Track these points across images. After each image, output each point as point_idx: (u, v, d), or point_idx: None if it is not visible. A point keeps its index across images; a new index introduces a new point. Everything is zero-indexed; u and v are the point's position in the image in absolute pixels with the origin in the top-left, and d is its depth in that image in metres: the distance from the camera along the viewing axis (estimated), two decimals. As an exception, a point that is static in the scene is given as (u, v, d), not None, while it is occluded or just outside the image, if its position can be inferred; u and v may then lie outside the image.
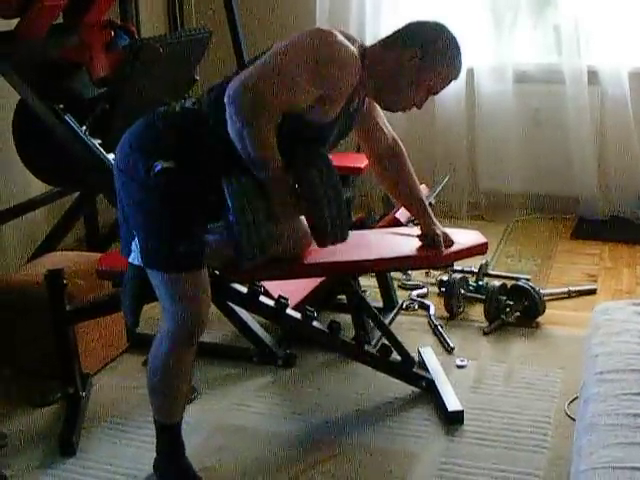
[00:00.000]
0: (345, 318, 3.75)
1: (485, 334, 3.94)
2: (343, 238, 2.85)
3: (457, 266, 4.32)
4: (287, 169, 2.66)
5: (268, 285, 3.45)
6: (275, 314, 3.36)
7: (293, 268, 3.12)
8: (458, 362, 3.67)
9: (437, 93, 2.90)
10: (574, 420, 2.79)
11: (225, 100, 2.58)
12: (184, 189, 2.68)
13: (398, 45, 2.79)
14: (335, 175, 2.74)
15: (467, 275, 4.36)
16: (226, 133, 2.62)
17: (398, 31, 2.85)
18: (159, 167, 2.63)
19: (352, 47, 2.68)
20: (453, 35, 2.84)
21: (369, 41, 5.34)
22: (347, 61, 2.65)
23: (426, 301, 4.29)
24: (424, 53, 2.77)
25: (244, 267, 2.79)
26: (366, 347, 3.39)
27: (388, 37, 2.86)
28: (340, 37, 2.66)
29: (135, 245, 2.74)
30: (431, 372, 3.49)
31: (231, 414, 3.37)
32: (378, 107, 3.05)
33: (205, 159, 2.72)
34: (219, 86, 2.74)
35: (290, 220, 2.90)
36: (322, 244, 2.88)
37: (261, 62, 2.62)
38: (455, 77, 2.89)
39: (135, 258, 2.77)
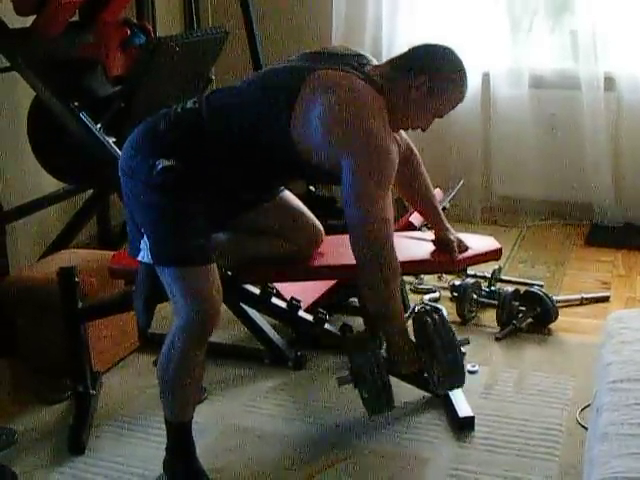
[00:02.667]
0: (357, 321, 3.74)
1: (497, 340, 3.93)
2: (462, 383, 3.02)
3: (470, 271, 4.32)
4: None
5: (280, 287, 3.44)
6: (287, 316, 3.36)
7: (306, 270, 3.12)
8: (469, 367, 3.65)
9: (442, 117, 2.90)
10: (586, 428, 2.77)
11: (355, 259, 2.73)
12: (186, 186, 2.72)
13: (406, 74, 2.79)
14: (446, 321, 2.90)
15: (480, 280, 4.34)
16: (225, 138, 2.74)
17: (406, 56, 2.85)
18: (160, 166, 2.68)
19: (384, 126, 2.70)
20: (459, 59, 2.84)
21: (385, 41, 5.42)
22: (393, 149, 2.72)
23: (438, 305, 4.27)
24: (431, 81, 2.77)
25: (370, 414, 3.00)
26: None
27: (397, 61, 2.86)
28: (374, 122, 2.67)
29: (144, 243, 2.76)
30: (442, 377, 3.47)
31: (241, 415, 3.37)
32: None
33: (203, 158, 2.76)
34: (222, 91, 2.88)
35: (413, 370, 3.00)
36: (441, 391, 3.13)
37: (357, 209, 2.68)
38: (460, 101, 2.90)
39: (144, 256, 2.79)
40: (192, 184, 2.72)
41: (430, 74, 2.77)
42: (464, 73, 2.84)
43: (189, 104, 2.84)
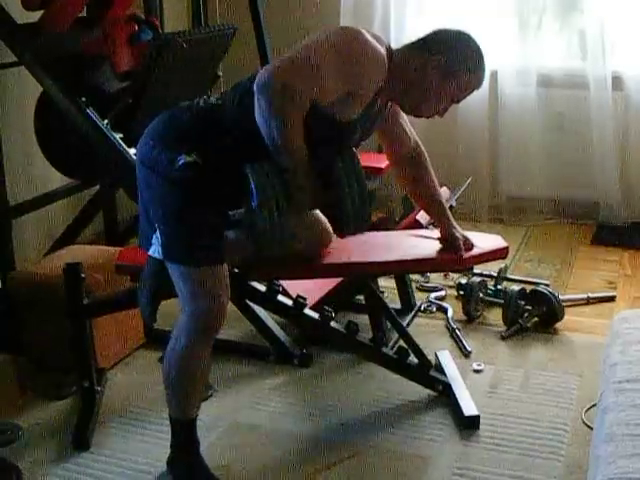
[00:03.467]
0: (363, 319, 3.73)
1: (503, 339, 3.92)
2: (363, 229, 2.85)
3: (476, 269, 4.31)
4: (311, 160, 2.66)
5: (287, 284, 3.44)
6: (293, 313, 3.35)
7: (312, 268, 3.12)
8: (475, 366, 3.65)
9: (459, 102, 2.90)
10: (591, 428, 2.77)
11: (254, 88, 2.58)
12: (206, 184, 2.69)
13: (423, 52, 2.80)
14: (358, 165, 2.74)
15: (486, 279, 4.34)
16: (250, 128, 2.63)
17: (423, 38, 2.85)
18: (182, 161, 2.64)
19: (380, 47, 2.69)
20: (477, 44, 2.85)
21: (393, 42, 5.40)
22: (374, 59, 2.66)
23: (444, 304, 4.27)
24: (448, 62, 2.77)
25: (262, 255, 2.82)
26: (383, 349, 3.38)
27: (413, 43, 2.86)
28: (368, 36, 2.67)
29: (156, 238, 2.75)
30: (448, 376, 3.47)
31: (246, 413, 3.37)
32: (400, 110, 3.04)
33: (227, 155, 2.73)
34: (245, 83, 2.74)
35: (311, 208, 2.90)
36: (342, 234, 2.88)
37: (292, 53, 2.62)
38: (478, 86, 2.90)
39: (155, 251, 2.77)
40: (211, 182, 2.70)
41: (446, 55, 2.77)
42: (482, 57, 2.85)
43: (213, 99, 2.82)
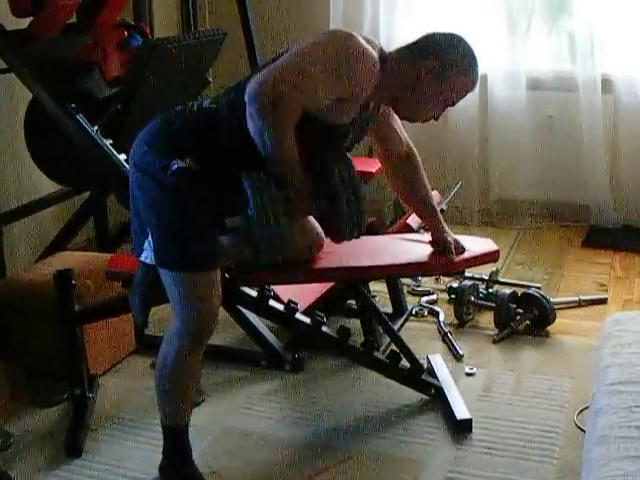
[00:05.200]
0: (354, 323, 3.74)
1: (495, 342, 3.92)
2: (359, 235, 2.84)
3: (467, 273, 4.31)
4: (305, 164, 2.66)
5: (278, 289, 3.43)
6: (284, 318, 3.35)
7: (304, 273, 3.11)
8: (467, 370, 3.65)
9: (454, 105, 2.89)
10: (583, 431, 2.76)
11: (245, 98, 2.57)
12: (199, 189, 2.68)
13: (416, 57, 2.79)
14: (353, 171, 2.74)
15: (477, 282, 4.34)
16: (244, 134, 2.62)
17: (416, 42, 2.84)
18: (175, 166, 2.63)
19: (372, 50, 2.68)
20: (470, 47, 2.84)
21: (383, 47, 5.40)
22: (366, 62, 2.65)
23: (436, 307, 4.27)
24: (441, 66, 2.76)
25: (260, 263, 2.79)
26: (375, 353, 3.37)
27: (406, 47, 2.85)
28: (360, 39, 2.66)
29: (148, 244, 2.74)
30: (440, 379, 3.47)
31: (238, 418, 3.36)
32: (394, 113, 3.04)
33: (222, 160, 2.72)
34: (237, 87, 2.74)
35: (306, 216, 2.91)
36: (338, 240, 2.88)
37: (281, 61, 2.62)
38: (472, 88, 2.89)
39: (148, 257, 2.77)
40: (205, 187, 2.69)
41: (440, 59, 2.77)
42: (475, 60, 2.84)
43: (206, 103, 2.82)
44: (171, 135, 2.77)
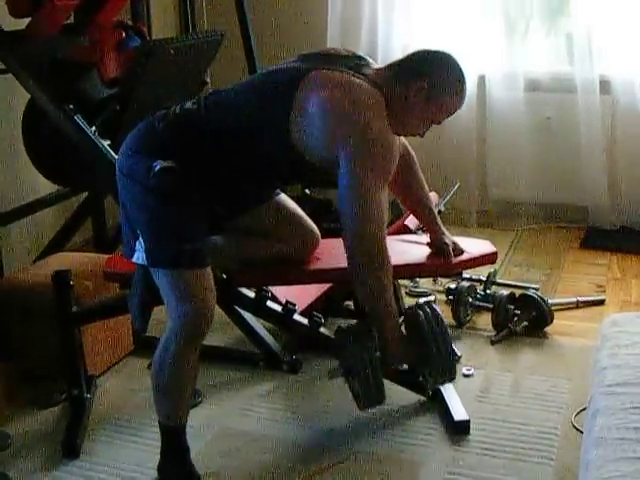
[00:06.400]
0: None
1: (492, 343, 3.92)
2: (451, 381, 3.08)
3: (465, 274, 4.31)
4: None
5: (276, 290, 3.43)
6: (282, 319, 3.35)
7: (301, 274, 3.12)
8: (465, 371, 3.65)
9: (440, 123, 2.90)
10: (581, 432, 2.76)
11: (346, 253, 2.72)
12: (184, 188, 2.72)
13: (405, 77, 2.78)
14: (443, 323, 2.89)
15: (475, 283, 4.33)
16: (222, 139, 2.73)
17: (405, 61, 2.85)
18: (158, 167, 2.68)
19: (384, 123, 2.69)
20: (458, 65, 2.83)
21: (381, 52, 5.41)
22: (394, 143, 2.74)
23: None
24: (431, 86, 2.76)
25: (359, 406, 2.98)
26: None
27: (396, 65, 2.85)
28: (374, 118, 2.67)
29: (139, 244, 2.76)
30: (438, 381, 3.47)
31: (236, 419, 3.36)
32: None
33: (202, 159, 2.77)
34: (220, 93, 2.86)
35: (401, 364, 3.04)
36: (431, 387, 3.16)
37: (353, 211, 2.67)
38: (459, 107, 2.89)
39: (139, 257, 2.78)
40: (189, 186, 2.72)
41: (429, 80, 2.76)
42: (463, 80, 2.83)
43: (188, 105, 2.85)
44: (154, 138, 2.81)
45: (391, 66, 2.86)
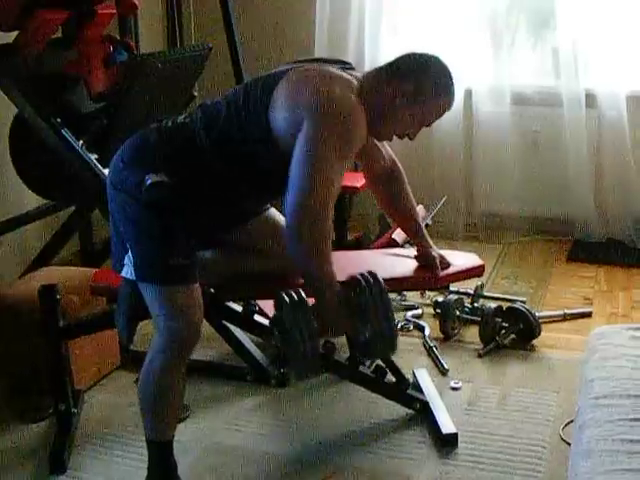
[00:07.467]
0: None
1: (480, 356, 3.92)
2: (393, 352, 2.92)
3: (452, 287, 4.31)
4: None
5: (263, 304, 3.43)
6: (270, 333, 3.34)
7: (289, 287, 3.10)
8: (452, 384, 3.65)
9: (430, 125, 2.89)
10: (569, 444, 2.76)
11: (285, 224, 2.65)
12: (175, 202, 2.71)
13: (393, 79, 2.78)
14: (386, 297, 2.77)
15: (462, 296, 4.34)
16: (215, 152, 2.72)
17: (391, 64, 2.84)
18: (150, 181, 2.66)
19: (351, 95, 2.68)
20: (446, 67, 2.83)
21: (367, 62, 5.42)
22: (360, 122, 2.68)
23: (421, 322, 4.27)
24: (417, 88, 2.76)
25: (293, 378, 3.00)
26: (360, 368, 3.37)
27: (382, 69, 2.85)
28: (339, 89, 2.66)
29: (128, 259, 2.75)
30: (425, 394, 3.46)
31: (224, 433, 3.35)
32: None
33: (196, 173, 2.76)
34: (210, 105, 2.83)
35: (340, 334, 2.93)
36: (369, 357, 3.08)
37: (300, 172, 2.61)
38: (448, 109, 2.88)
39: (128, 272, 2.77)
40: (181, 201, 2.71)
41: (417, 81, 2.76)
42: (451, 80, 2.83)
43: (180, 119, 2.84)
44: (146, 151, 2.80)
45: (378, 69, 2.86)
